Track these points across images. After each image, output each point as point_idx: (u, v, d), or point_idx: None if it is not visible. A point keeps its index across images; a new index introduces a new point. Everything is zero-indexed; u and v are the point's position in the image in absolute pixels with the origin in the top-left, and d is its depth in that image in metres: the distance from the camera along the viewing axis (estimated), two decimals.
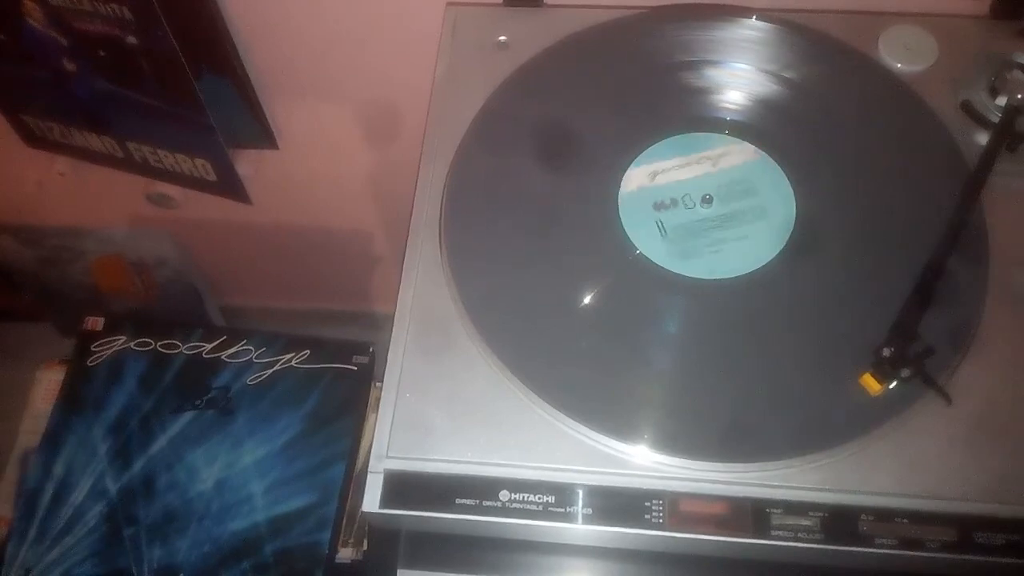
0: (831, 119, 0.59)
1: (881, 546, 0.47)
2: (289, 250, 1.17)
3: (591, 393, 0.51)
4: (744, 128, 0.59)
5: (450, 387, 0.52)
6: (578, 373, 0.52)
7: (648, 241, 0.55)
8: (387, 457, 0.50)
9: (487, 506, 0.49)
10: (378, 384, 0.84)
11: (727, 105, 0.60)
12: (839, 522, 0.47)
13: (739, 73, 0.61)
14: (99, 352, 0.93)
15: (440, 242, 0.56)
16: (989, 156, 0.54)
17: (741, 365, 0.52)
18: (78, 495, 0.87)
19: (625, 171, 0.58)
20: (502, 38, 0.64)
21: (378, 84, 0.87)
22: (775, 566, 0.50)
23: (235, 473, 0.88)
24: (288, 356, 0.92)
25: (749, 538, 0.47)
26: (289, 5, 0.80)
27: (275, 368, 0.92)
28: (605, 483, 0.49)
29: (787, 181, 0.57)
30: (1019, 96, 0.56)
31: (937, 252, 0.51)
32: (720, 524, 0.48)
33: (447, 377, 0.52)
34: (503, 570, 0.54)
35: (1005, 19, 0.62)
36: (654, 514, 0.48)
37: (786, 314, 0.53)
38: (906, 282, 0.52)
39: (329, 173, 1.01)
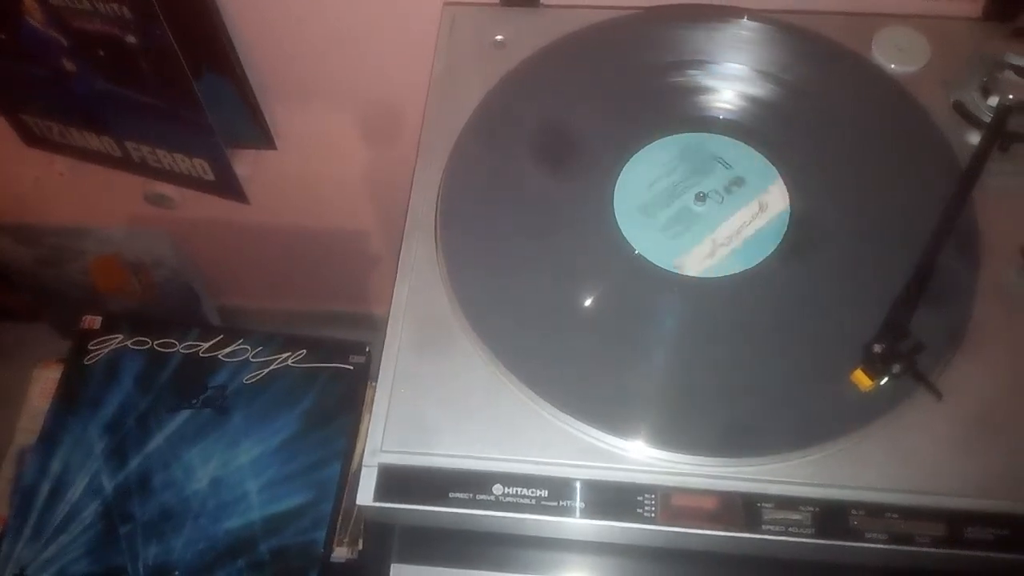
0: (824, 118, 0.60)
1: (872, 541, 0.47)
2: (286, 251, 1.17)
3: (584, 388, 0.51)
4: (738, 127, 0.60)
5: (444, 382, 0.52)
6: (571, 369, 0.52)
7: (643, 239, 0.56)
8: (381, 451, 0.50)
9: (481, 500, 0.49)
10: (374, 384, 0.84)
11: (721, 105, 0.61)
12: (830, 517, 0.47)
13: (733, 73, 0.61)
14: (96, 351, 0.93)
15: (435, 239, 0.57)
16: (981, 155, 0.55)
17: (734, 362, 0.52)
18: (74, 493, 0.87)
19: (620, 170, 0.58)
20: (499, 37, 0.65)
21: (376, 84, 0.88)
22: (767, 562, 0.51)
23: (231, 472, 0.88)
24: (284, 355, 0.93)
25: (740, 532, 0.48)
26: (288, 5, 0.80)
27: (271, 367, 0.92)
28: (598, 477, 0.49)
29: (781, 180, 0.57)
30: (1010, 96, 0.57)
31: (928, 250, 0.51)
32: (712, 518, 0.48)
33: (441, 372, 0.52)
34: (497, 565, 0.54)
35: (997, 21, 0.62)
36: (646, 508, 0.48)
37: (779, 311, 0.54)
38: (898, 280, 0.52)
39: (327, 173, 1.01)
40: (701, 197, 0.57)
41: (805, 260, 0.54)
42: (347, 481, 0.88)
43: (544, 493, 0.49)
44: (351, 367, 0.92)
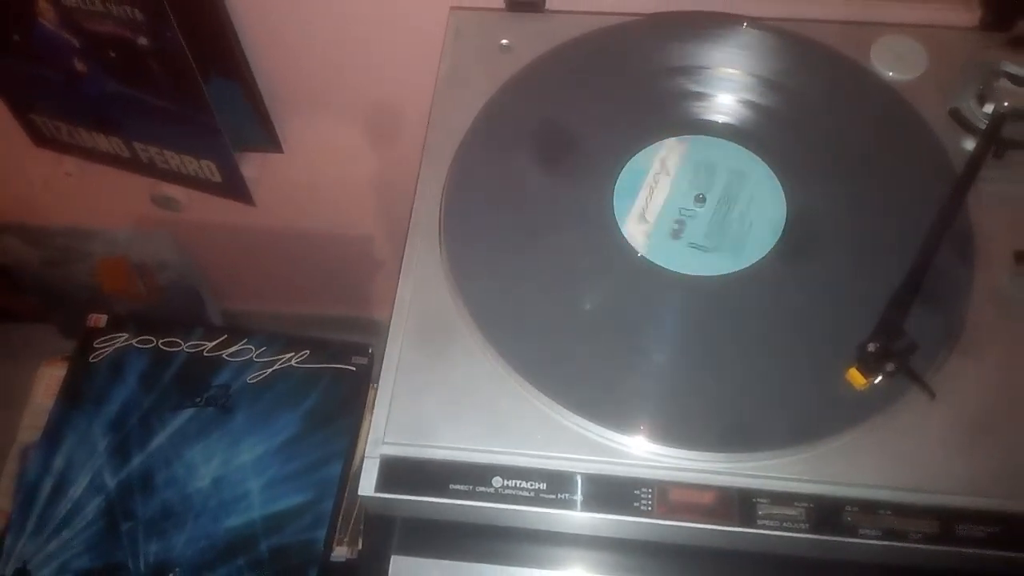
0: (822, 124, 0.61)
1: (865, 537, 0.48)
2: (291, 254, 1.18)
3: (585, 383, 0.52)
4: (737, 132, 0.61)
5: (446, 376, 0.53)
6: (571, 364, 0.53)
7: (643, 239, 0.57)
8: (384, 443, 0.51)
9: (480, 492, 0.50)
10: (375, 386, 0.85)
11: (721, 110, 0.62)
12: (824, 513, 0.48)
13: (733, 79, 0.62)
14: (101, 349, 0.94)
15: (439, 237, 0.58)
16: (975, 161, 0.56)
17: (732, 359, 0.53)
18: (76, 489, 0.88)
19: (621, 171, 0.59)
20: (504, 42, 0.66)
21: (383, 90, 0.89)
22: (764, 560, 0.51)
23: (233, 470, 0.89)
24: (288, 356, 0.93)
25: (736, 527, 0.48)
26: (297, 11, 0.81)
27: (275, 367, 0.93)
28: (596, 471, 0.50)
29: (778, 182, 0.58)
30: (1005, 104, 0.58)
31: (923, 251, 0.52)
32: (708, 513, 0.49)
33: (443, 366, 0.53)
34: (496, 559, 0.55)
35: (994, 31, 0.63)
36: (643, 502, 0.49)
37: (776, 311, 0.54)
38: (893, 282, 0.53)
39: (333, 177, 1.02)
40: (700, 199, 0.58)
41: (802, 260, 0.55)
42: (348, 481, 0.89)
43: (543, 486, 0.50)
44: (354, 368, 0.93)
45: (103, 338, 0.95)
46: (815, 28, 0.65)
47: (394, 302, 0.55)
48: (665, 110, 0.62)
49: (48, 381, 0.96)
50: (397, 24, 0.80)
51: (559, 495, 0.49)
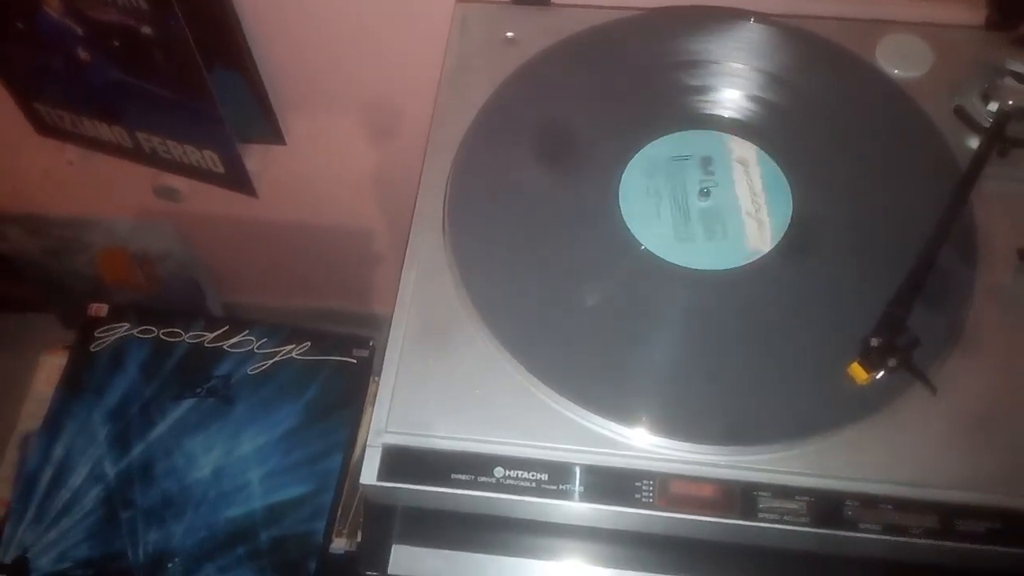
0: (827, 120, 0.61)
1: (865, 531, 0.48)
2: (292, 247, 1.18)
3: (588, 375, 0.52)
4: (743, 127, 0.61)
5: (449, 366, 0.53)
6: (575, 356, 0.53)
7: (647, 231, 0.57)
8: (386, 432, 0.51)
9: (482, 481, 0.50)
10: (376, 378, 0.85)
11: (726, 104, 0.62)
12: (825, 506, 0.48)
13: (738, 73, 0.63)
14: (102, 338, 0.94)
15: (443, 227, 0.58)
16: (979, 158, 0.56)
17: (735, 353, 0.53)
18: (76, 478, 0.88)
19: (626, 164, 0.60)
20: (510, 34, 0.66)
21: (388, 83, 0.89)
22: (765, 552, 0.51)
23: (233, 461, 0.89)
24: (289, 347, 0.93)
25: (737, 519, 0.48)
26: (302, 2, 0.81)
27: (276, 359, 0.93)
28: (598, 462, 0.50)
29: (783, 177, 0.58)
30: (1010, 102, 0.58)
31: (926, 248, 0.52)
32: (709, 505, 0.49)
33: (447, 357, 0.53)
34: (496, 549, 0.55)
35: (999, 30, 0.64)
36: (644, 494, 0.49)
37: (779, 305, 0.55)
38: (897, 278, 0.53)
39: (335, 170, 1.02)
40: (705, 193, 0.58)
41: (806, 256, 0.56)
42: (348, 473, 0.89)
43: (544, 476, 0.50)
44: (355, 360, 0.93)
45: (104, 328, 0.95)
46: (821, 25, 0.65)
47: (397, 292, 0.56)
48: (670, 105, 0.62)
49: (49, 370, 0.96)
50: (403, 17, 0.80)
51: (560, 486, 0.50)
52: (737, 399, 0.52)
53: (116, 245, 1.21)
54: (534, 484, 0.50)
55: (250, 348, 0.93)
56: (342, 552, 0.86)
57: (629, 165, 0.60)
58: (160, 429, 0.90)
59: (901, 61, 0.62)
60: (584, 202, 0.59)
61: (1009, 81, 0.58)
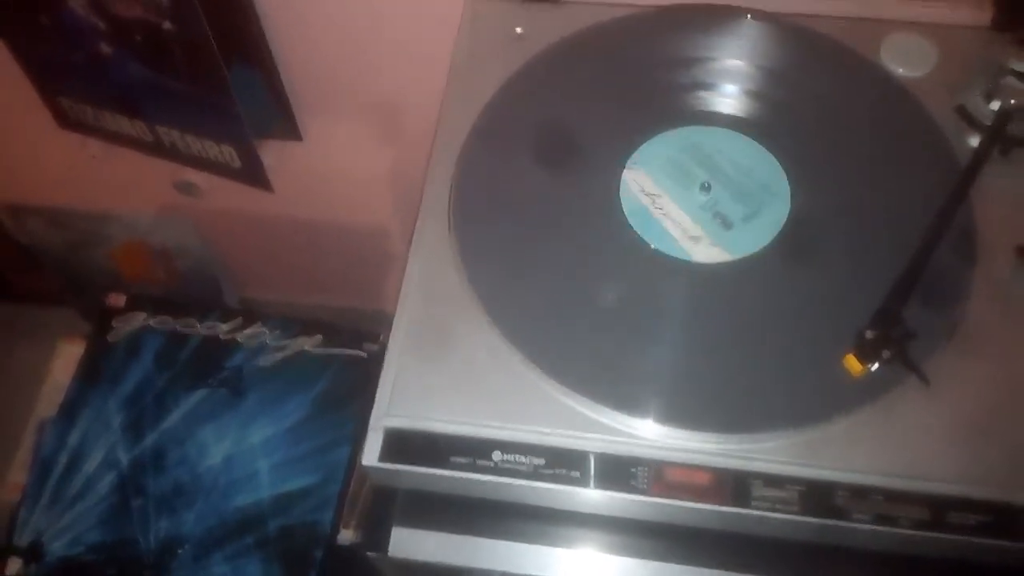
0: (830, 117, 0.61)
1: (856, 521, 0.48)
2: (307, 244, 1.20)
3: (585, 363, 0.53)
4: (745, 123, 0.61)
5: (450, 352, 0.54)
6: (573, 343, 0.54)
7: (647, 225, 0.58)
8: (388, 415, 0.52)
9: (480, 464, 0.51)
10: None
11: (729, 101, 0.63)
12: (816, 496, 0.49)
13: (742, 71, 0.63)
14: (119, 328, 0.96)
15: (449, 219, 0.59)
16: (979, 156, 0.56)
17: (732, 343, 0.54)
18: (91, 465, 0.90)
19: (628, 158, 0.60)
20: (519, 30, 0.67)
21: (404, 81, 0.90)
22: (763, 542, 0.52)
23: (243, 451, 0.90)
24: (301, 340, 0.95)
25: (729, 507, 0.49)
26: (322, 1, 0.83)
27: (288, 351, 0.94)
28: (595, 448, 0.51)
29: (784, 172, 0.59)
30: (1012, 101, 0.58)
31: (924, 242, 0.53)
32: (702, 493, 0.50)
33: (448, 342, 0.54)
34: (494, 533, 0.56)
35: (1005, 31, 0.64)
36: (639, 480, 0.50)
37: (777, 298, 0.55)
38: (895, 272, 0.53)
39: (351, 168, 1.04)
40: (706, 186, 0.59)
41: (805, 249, 0.56)
42: (355, 465, 0.90)
43: (541, 461, 0.51)
44: (365, 355, 0.94)
45: (121, 317, 0.97)
46: (826, 23, 0.65)
47: (402, 278, 0.57)
48: (674, 100, 0.63)
49: (67, 359, 0.99)
50: (419, 15, 0.81)
51: (557, 470, 0.50)
52: (733, 388, 0.52)
53: (135, 239, 1.23)
54: (531, 468, 0.51)
55: (263, 340, 0.95)
56: (348, 544, 0.87)
57: (631, 158, 0.61)
58: (173, 418, 0.92)
59: (905, 60, 0.63)
60: (586, 196, 0.59)
61: (1012, 80, 0.59)
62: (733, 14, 0.66)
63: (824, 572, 0.55)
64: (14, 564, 0.85)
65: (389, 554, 0.55)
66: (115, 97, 0.95)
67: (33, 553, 0.86)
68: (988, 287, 0.54)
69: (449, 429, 0.52)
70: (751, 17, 0.66)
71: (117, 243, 1.24)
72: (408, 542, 0.55)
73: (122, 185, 1.14)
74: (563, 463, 0.51)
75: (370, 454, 0.51)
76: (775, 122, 0.61)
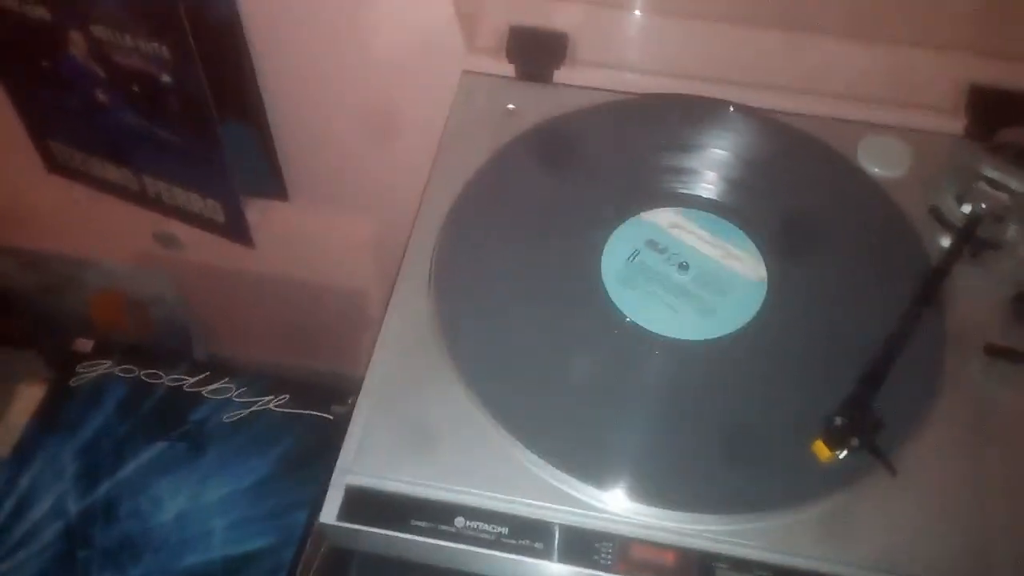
0: (806, 209, 0.63)
1: None
2: (283, 303, 1.20)
3: (557, 433, 0.53)
4: (724, 208, 0.63)
5: (420, 413, 0.54)
6: (546, 413, 0.54)
7: (626, 300, 0.58)
8: (351, 472, 0.51)
9: (442, 530, 0.50)
10: None
11: (708, 186, 0.64)
12: None
13: (722, 160, 0.65)
14: (83, 373, 0.94)
15: (429, 279, 0.59)
16: (951, 256, 0.58)
17: (705, 423, 0.54)
18: (38, 511, 0.87)
19: (610, 235, 0.61)
20: (511, 106, 0.69)
21: (396, 153, 0.91)
22: None
23: (198, 507, 0.88)
24: (267, 398, 0.93)
25: None
26: (318, 66, 0.85)
27: (253, 408, 0.93)
28: (559, 520, 0.50)
29: (760, 258, 0.60)
30: (983, 205, 0.60)
31: (895, 335, 0.54)
32: (667, 572, 0.49)
33: (419, 403, 0.54)
34: None
35: (978, 139, 0.66)
36: (603, 556, 0.49)
37: (749, 379, 0.55)
38: (866, 362, 0.54)
39: (334, 230, 1.04)
40: (684, 266, 0.59)
41: (779, 333, 0.57)
42: (312, 530, 0.88)
43: (504, 530, 0.50)
44: (331, 417, 0.93)
45: (86, 363, 0.95)
46: (806, 122, 0.68)
47: (378, 336, 0.57)
48: (654, 183, 0.64)
49: (27, 401, 0.97)
50: (415, 88, 0.83)
51: (520, 541, 0.50)
52: (704, 468, 0.52)
53: (111, 289, 1.22)
54: (494, 537, 0.50)
55: (229, 396, 0.93)
56: None
57: (613, 235, 0.61)
58: (129, 469, 0.89)
59: (881, 160, 0.65)
60: (567, 268, 0.60)
61: (983, 186, 0.61)
62: (717, 106, 0.68)
63: None
64: None
65: None
66: (106, 144, 0.96)
67: None
68: (957, 383, 0.55)
69: (412, 491, 0.51)
70: (733, 109, 0.68)
71: (92, 290, 1.23)
72: None
73: (102, 232, 1.14)
74: (527, 533, 0.50)
75: (328, 512, 0.50)
76: (754, 211, 0.63)
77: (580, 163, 0.66)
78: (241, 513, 0.87)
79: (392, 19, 0.79)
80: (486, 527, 0.50)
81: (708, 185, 0.64)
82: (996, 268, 0.60)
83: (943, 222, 0.62)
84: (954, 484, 0.52)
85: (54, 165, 1.03)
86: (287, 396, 0.93)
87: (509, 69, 0.72)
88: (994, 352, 0.56)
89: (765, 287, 0.59)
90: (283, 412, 0.93)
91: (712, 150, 0.66)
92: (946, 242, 0.61)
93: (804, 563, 0.49)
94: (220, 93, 0.85)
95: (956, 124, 0.68)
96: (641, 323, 0.57)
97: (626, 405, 0.55)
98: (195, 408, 0.93)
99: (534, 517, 0.50)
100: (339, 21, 0.81)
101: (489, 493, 0.51)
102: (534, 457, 0.52)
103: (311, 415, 0.93)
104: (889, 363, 0.52)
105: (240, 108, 0.89)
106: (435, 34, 0.76)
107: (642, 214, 0.63)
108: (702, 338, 0.57)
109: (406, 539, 0.50)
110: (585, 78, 0.72)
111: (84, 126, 0.95)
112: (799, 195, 0.64)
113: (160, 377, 0.94)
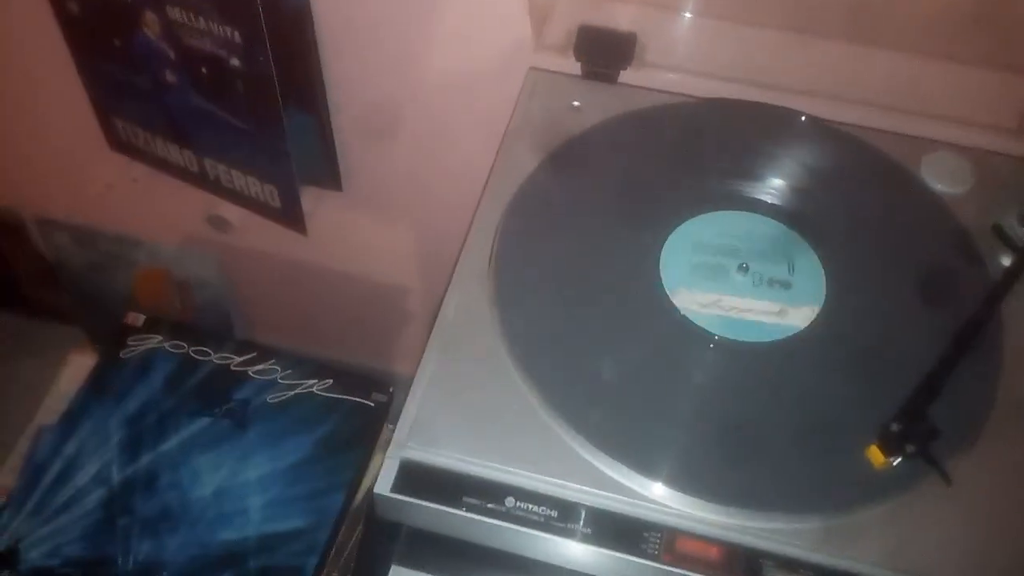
0: (869, 220, 0.63)
1: None
2: (327, 292, 1.21)
3: (611, 421, 0.53)
4: (787, 214, 0.63)
5: (476, 393, 0.54)
6: (599, 401, 0.54)
7: (684, 297, 0.59)
8: (406, 446, 0.52)
9: (492, 508, 0.50)
10: (391, 426, 0.86)
11: (771, 192, 0.64)
12: None
13: (787, 167, 0.65)
14: (134, 346, 0.97)
15: (489, 261, 0.60)
16: (1011, 273, 0.58)
17: (759, 422, 0.54)
18: (82, 477, 0.89)
19: (671, 232, 0.62)
20: (576, 103, 0.70)
21: (454, 149, 0.92)
22: None
23: (236, 484, 0.89)
24: (311, 382, 0.95)
25: None
26: (382, 58, 0.86)
27: (297, 390, 0.94)
28: (609, 507, 0.50)
29: (820, 264, 0.60)
30: None
31: (953, 347, 0.54)
32: (713, 566, 0.49)
33: (475, 383, 0.55)
34: None
35: None
36: (651, 545, 0.49)
37: (808, 382, 0.56)
38: (924, 372, 0.54)
39: (384, 224, 1.05)
40: (744, 268, 0.60)
41: (838, 339, 0.57)
42: (347, 514, 0.89)
43: (554, 513, 0.50)
44: (372, 404, 0.94)
45: (137, 336, 0.97)
46: (872, 135, 0.68)
47: (436, 316, 0.57)
48: (716, 185, 0.65)
49: (75, 369, 0.99)
50: (477, 83, 0.84)
51: (568, 524, 0.50)
52: (757, 466, 0.52)
53: (158, 267, 1.24)
54: (543, 519, 0.50)
55: (274, 377, 0.95)
56: None
57: (674, 233, 0.62)
58: (172, 442, 0.91)
59: (945, 177, 0.65)
60: (627, 262, 0.61)
61: None
62: (788, 115, 0.68)
63: None
64: None
65: None
66: (170, 124, 0.98)
67: (8, 559, 0.84)
68: (1012, 398, 0.55)
69: (465, 468, 0.52)
70: (797, 118, 0.68)
71: (139, 268, 1.25)
72: None
73: (156, 212, 1.16)
74: (576, 518, 0.50)
75: (383, 483, 0.51)
76: (816, 218, 0.63)
77: (640, 162, 0.67)
78: (278, 492, 0.89)
79: (461, 26, 0.80)
80: (536, 509, 0.50)
81: (768, 190, 0.65)
82: None
83: (1005, 240, 0.62)
84: (1005, 501, 0.51)
85: (117, 142, 1.05)
86: (331, 380, 0.95)
87: (575, 68, 0.73)
88: None
89: (824, 294, 0.59)
90: (326, 396, 0.94)
91: (780, 158, 0.66)
92: (1007, 260, 0.61)
93: (851, 566, 0.49)
94: (285, 81, 0.87)
95: (1020, 145, 0.68)
96: (698, 322, 0.58)
97: (680, 399, 0.55)
98: (240, 387, 0.94)
99: (584, 502, 0.51)
100: (408, 22, 0.82)
101: (540, 476, 0.51)
102: (586, 443, 0.52)
103: (353, 400, 0.94)
104: (946, 375, 0.52)
105: (303, 97, 0.90)
106: (503, 37, 0.77)
107: (702, 214, 0.63)
108: (760, 339, 0.57)
109: (457, 515, 0.50)
110: (648, 79, 0.73)
111: (150, 106, 0.97)
112: (862, 206, 0.64)
113: (208, 354, 0.96)
